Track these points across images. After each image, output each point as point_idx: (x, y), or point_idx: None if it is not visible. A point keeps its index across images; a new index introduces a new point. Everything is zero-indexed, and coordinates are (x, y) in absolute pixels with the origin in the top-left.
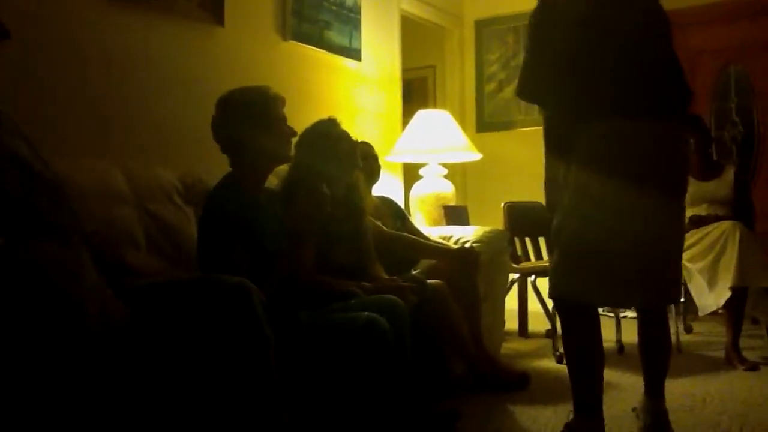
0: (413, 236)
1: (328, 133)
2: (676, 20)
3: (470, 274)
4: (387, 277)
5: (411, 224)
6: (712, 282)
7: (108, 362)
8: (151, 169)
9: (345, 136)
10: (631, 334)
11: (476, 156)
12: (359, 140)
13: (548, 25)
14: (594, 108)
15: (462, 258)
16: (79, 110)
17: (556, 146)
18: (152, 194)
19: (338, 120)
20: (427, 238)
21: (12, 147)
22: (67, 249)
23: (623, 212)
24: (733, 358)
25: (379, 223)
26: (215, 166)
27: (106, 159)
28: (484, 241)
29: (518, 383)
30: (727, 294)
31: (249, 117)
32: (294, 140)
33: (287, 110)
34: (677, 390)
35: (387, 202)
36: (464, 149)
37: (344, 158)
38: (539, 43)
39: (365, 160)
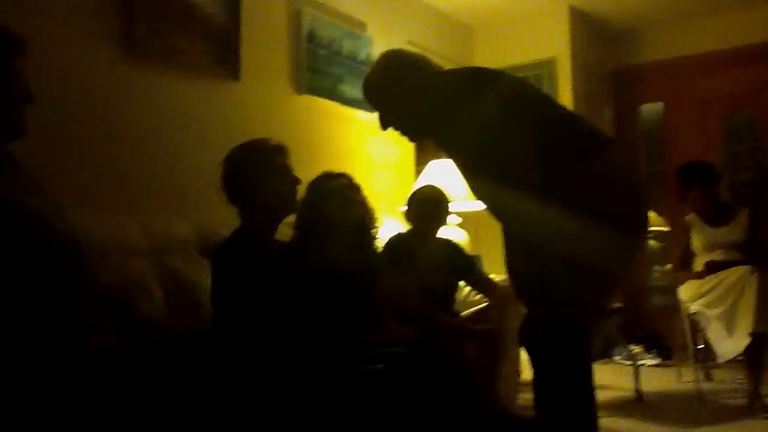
0: (432, 312)
1: (319, 178)
2: (682, 68)
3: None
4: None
5: (479, 273)
6: (730, 328)
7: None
8: (167, 222)
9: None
10: (648, 383)
11: None
12: (428, 185)
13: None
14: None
15: (483, 340)
16: (96, 164)
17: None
18: (169, 247)
19: (339, 174)
20: (491, 287)
21: (32, 205)
22: (88, 303)
23: None
24: (756, 406)
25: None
26: (232, 219)
27: (123, 212)
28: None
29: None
30: (747, 340)
31: (248, 170)
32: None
33: (301, 160)
34: None
35: (452, 251)
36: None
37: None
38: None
39: (426, 206)
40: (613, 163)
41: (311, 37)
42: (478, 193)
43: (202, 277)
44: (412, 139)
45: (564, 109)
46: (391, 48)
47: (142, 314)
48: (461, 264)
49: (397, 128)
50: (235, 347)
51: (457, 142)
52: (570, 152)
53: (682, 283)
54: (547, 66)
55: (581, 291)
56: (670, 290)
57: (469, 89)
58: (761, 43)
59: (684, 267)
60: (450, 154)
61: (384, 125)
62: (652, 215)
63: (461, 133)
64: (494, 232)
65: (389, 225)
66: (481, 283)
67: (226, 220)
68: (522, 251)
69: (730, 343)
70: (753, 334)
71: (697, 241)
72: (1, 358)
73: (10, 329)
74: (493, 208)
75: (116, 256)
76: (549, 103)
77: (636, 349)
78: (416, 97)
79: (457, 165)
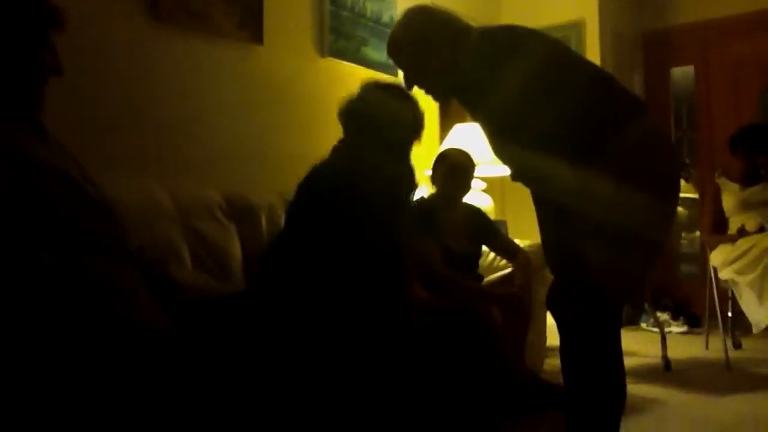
0: (457, 278)
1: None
2: (719, 28)
3: (522, 291)
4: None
5: (502, 239)
6: (763, 295)
7: (153, 372)
8: (194, 186)
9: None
10: (676, 351)
11: None
12: (455, 149)
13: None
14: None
15: (507, 304)
16: (122, 129)
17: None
18: (196, 211)
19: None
20: (515, 253)
21: (62, 167)
22: (117, 265)
23: None
24: None
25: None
26: (257, 184)
27: (150, 177)
28: (532, 250)
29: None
30: None
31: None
32: None
33: (324, 124)
34: (727, 409)
35: (475, 216)
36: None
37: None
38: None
39: (451, 170)
40: (648, 128)
41: None
42: (506, 157)
43: (229, 241)
44: (437, 100)
45: (599, 71)
46: (416, 4)
47: (173, 276)
48: (485, 229)
49: (422, 87)
50: (273, 307)
51: (486, 104)
52: (606, 116)
53: (713, 247)
54: (575, 28)
55: (618, 260)
56: (699, 258)
57: (502, 50)
58: None
59: (716, 231)
60: (477, 116)
61: (409, 85)
62: (681, 183)
63: (492, 95)
64: (520, 197)
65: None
66: (504, 248)
67: (251, 185)
68: (555, 218)
69: (762, 311)
70: None
71: (728, 203)
72: (22, 315)
73: (35, 284)
74: (524, 173)
75: (144, 219)
76: (584, 65)
77: (664, 316)
78: (444, 55)
79: (484, 128)
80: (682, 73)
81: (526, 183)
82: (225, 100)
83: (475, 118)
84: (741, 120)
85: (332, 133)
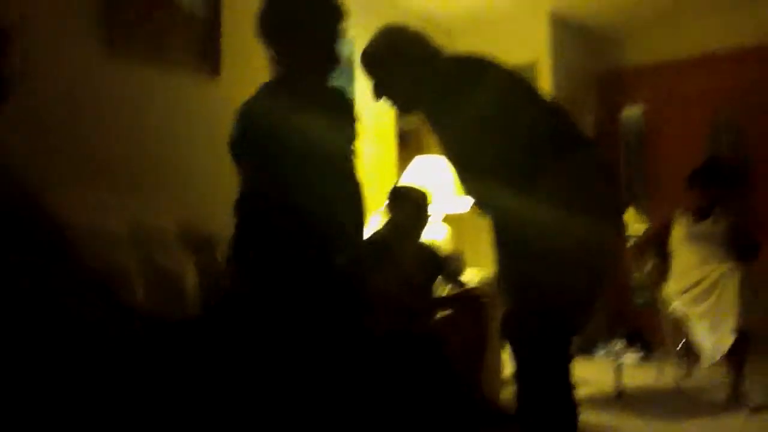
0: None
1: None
2: (667, 70)
3: (476, 319)
4: None
5: (451, 272)
6: (714, 326)
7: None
8: (151, 214)
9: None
10: (630, 379)
11: (472, 201)
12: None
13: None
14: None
15: (464, 306)
16: (78, 158)
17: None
18: (150, 240)
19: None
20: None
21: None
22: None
23: None
24: (738, 400)
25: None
26: (213, 213)
27: (107, 206)
28: (482, 284)
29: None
30: (731, 338)
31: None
32: None
33: None
34: None
35: (428, 255)
36: (460, 195)
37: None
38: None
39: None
40: (591, 157)
41: None
42: (464, 184)
43: (184, 271)
44: (401, 111)
45: (551, 104)
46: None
47: (124, 303)
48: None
49: (389, 98)
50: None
51: (447, 125)
52: (552, 145)
53: (635, 257)
54: (528, 70)
55: (567, 283)
56: (652, 287)
57: (465, 76)
58: (741, 48)
59: (641, 254)
60: (438, 135)
61: (378, 95)
62: (634, 215)
63: (453, 118)
64: (478, 228)
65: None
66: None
67: (207, 214)
68: (507, 243)
69: (714, 341)
70: (736, 332)
71: (678, 233)
72: None
73: None
74: (478, 199)
75: (99, 245)
76: (537, 98)
77: (618, 345)
78: (414, 72)
79: (444, 149)
80: (633, 112)
81: (482, 209)
82: (181, 129)
83: (437, 135)
84: (689, 157)
85: None
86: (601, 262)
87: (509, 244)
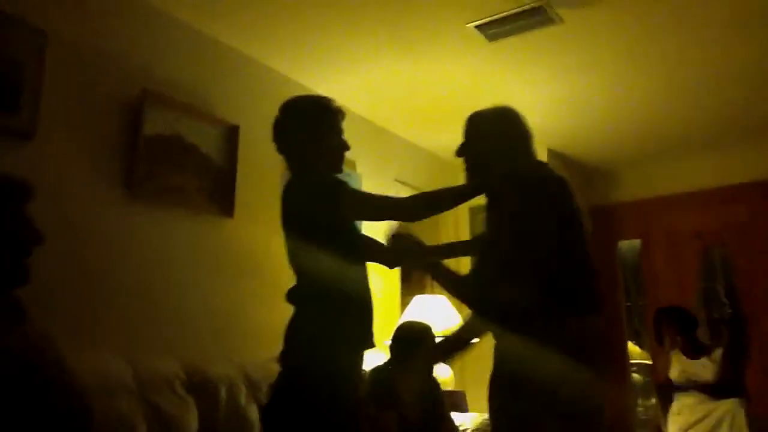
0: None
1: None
2: (660, 205)
3: None
4: None
5: (445, 413)
6: None
7: None
8: (156, 358)
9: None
10: None
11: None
12: (413, 322)
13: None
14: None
15: None
16: (94, 301)
17: None
18: (155, 385)
19: None
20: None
21: (35, 362)
22: None
23: None
24: None
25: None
26: (220, 354)
27: (115, 348)
28: (483, 428)
29: None
30: None
31: (309, 122)
32: None
33: None
34: None
35: (432, 388)
36: None
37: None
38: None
39: (410, 343)
40: (590, 329)
41: None
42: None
43: (186, 415)
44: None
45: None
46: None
47: None
48: (437, 402)
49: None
50: None
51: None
52: (557, 304)
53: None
54: None
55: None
56: (655, 424)
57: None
58: (731, 186)
59: (662, 398)
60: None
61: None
62: (635, 349)
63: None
64: (479, 367)
65: (374, 358)
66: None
67: (214, 356)
68: (507, 388)
69: None
70: None
71: (674, 372)
72: None
73: None
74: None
75: (102, 395)
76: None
77: None
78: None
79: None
80: (629, 245)
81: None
82: (193, 271)
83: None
84: (684, 287)
85: None
86: (601, 413)
87: (509, 387)
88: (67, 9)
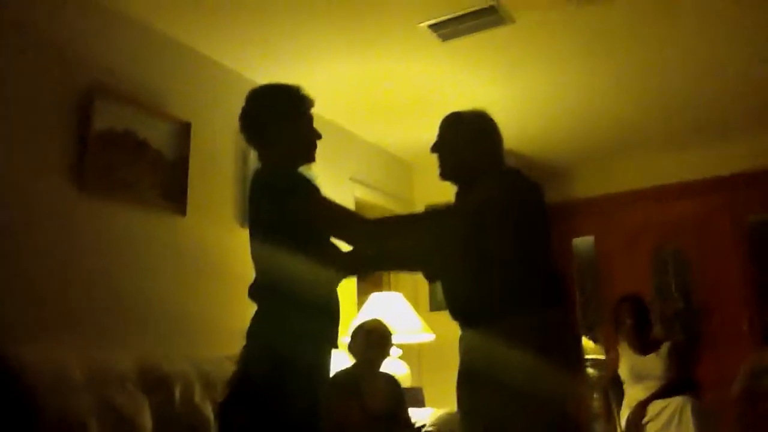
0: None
1: None
2: (614, 202)
3: None
4: None
5: (404, 411)
6: None
7: None
8: (109, 354)
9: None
10: None
11: (430, 336)
12: (372, 319)
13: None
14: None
15: None
16: (44, 295)
17: None
18: (107, 381)
19: None
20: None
21: None
22: None
23: None
24: None
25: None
26: (174, 351)
27: (67, 345)
28: (440, 424)
29: None
30: None
31: (277, 110)
32: None
33: (245, 293)
34: None
35: (392, 383)
36: (418, 331)
37: None
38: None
39: (370, 340)
40: (556, 319)
41: None
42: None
43: (139, 412)
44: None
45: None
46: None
47: None
48: (398, 398)
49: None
50: None
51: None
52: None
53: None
54: None
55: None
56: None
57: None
58: (685, 182)
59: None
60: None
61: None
62: (589, 344)
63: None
64: (436, 364)
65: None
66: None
67: (169, 351)
68: (474, 380)
69: None
70: None
71: (624, 369)
72: None
73: None
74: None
75: (54, 391)
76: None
77: None
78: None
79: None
80: (584, 242)
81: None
82: (148, 268)
83: None
84: (638, 284)
85: (250, 302)
86: (565, 410)
87: (478, 386)
88: None
